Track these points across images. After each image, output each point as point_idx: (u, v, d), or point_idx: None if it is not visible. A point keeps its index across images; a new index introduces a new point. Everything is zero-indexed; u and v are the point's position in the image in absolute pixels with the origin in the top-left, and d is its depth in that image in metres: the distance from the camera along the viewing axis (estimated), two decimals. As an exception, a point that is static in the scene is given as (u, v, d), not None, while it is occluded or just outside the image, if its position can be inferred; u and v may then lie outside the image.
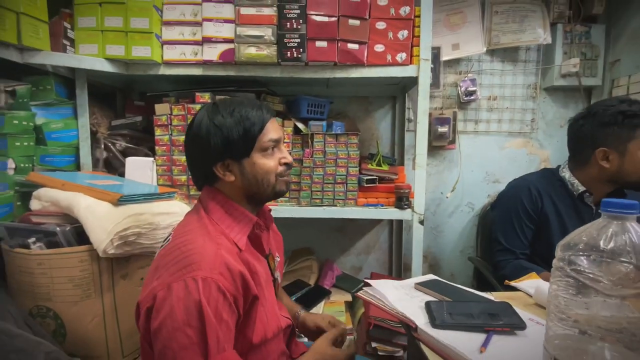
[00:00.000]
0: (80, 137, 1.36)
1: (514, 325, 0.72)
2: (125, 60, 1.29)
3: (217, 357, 0.62)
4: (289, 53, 1.26)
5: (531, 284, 0.99)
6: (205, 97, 1.38)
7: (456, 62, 1.72)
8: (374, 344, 1.35)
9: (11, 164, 1.09)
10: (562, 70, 1.68)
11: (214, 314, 0.62)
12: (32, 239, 0.96)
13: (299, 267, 1.72)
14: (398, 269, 1.82)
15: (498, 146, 1.79)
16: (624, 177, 1.17)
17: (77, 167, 1.37)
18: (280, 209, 1.36)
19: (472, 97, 1.72)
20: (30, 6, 1.07)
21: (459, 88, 1.72)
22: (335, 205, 1.43)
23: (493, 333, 0.70)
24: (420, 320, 0.73)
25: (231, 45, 1.28)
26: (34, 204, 1.06)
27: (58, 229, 0.95)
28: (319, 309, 1.45)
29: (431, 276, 1.00)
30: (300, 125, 1.45)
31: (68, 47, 1.23)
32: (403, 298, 0.84)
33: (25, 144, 1.14)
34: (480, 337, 0.69)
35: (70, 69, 1.30)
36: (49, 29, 1.16)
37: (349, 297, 1.55)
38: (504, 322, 0.73)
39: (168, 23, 1.30)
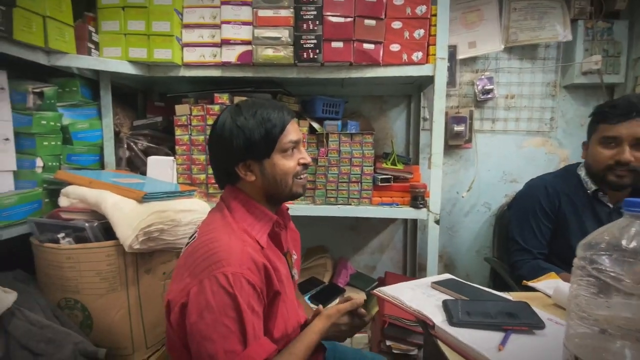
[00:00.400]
0: (105, 137, 1.41)
1: (533, 324, 0.72)
2: (147, 62, 1.33)
3: (254, 343, 0.65)
4: (305, 54, 1.28)
5: (550, 284, 0.98)
6: (223, 98, 1.41)
7: (473, 60, 1.71)
8: (388, 342, 1.36)
9: (39, 162, 1.14)
10: (583, 67, 1.64)
11: (247, 305, 0.65)
12: (62, 234, 1.00)
13: (313, 265, 1.73)
14: (412, 269, 1.82)
15: (516, 145, 1.77)
16: (588, 168, 1.26)
17: (102, 166, 1.42)
18: (295, 207, 1.38)
19: (489, 96, 1.70)
20: (55, 10, 1.11)
21: (475, 86, 1.71)
22: (350, 204, 1.44)
23: (511, 332, 0.70)
24: (438, 318, 0.73)
25: (249, 47, 1.31)
26: (63, 201, 1.11)
27: (87, 224, 0.99)
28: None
29: (448, 275, 1.00)
30: (316, 125, 1.46)
31: (93, 50, 1.28)
32: (420, 297, 0.84)
33: (53, 143, 1.19)
34: (498, 335, 0.69)
35: (94, 71, 1.35)
36: (75, 32, 1.21)
37: (363, 296, 1.56)
38: (523, 321, 0.72)
39: (188, 26, 1.34)
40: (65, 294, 1.01)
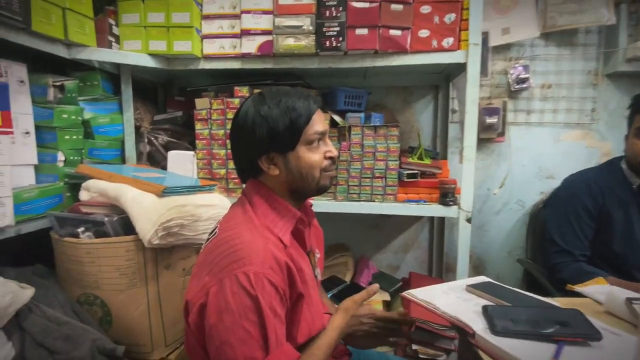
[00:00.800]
0: (125, 132, 1.40)
1: (589, 335, 0.64)
2: (167, 55, 1.31)
3: (277, 351, 0.61)
4: (327, 42, 1.22)
5: (600, 289, 0.89)
6: (243, 91, 1.37)
7: (506, 47, 1.60)
8: (414, 347, 1.29)
9: (61, 156, 1.14)
10: (627, 54, 1.51)
11: (269, 308, 0.61)
12: (81, 229, 0.99)
13: (334, 263, 1.68)
14: (439, 269, 1.73)
15: (553, 138, 1.65)
16: (628, 161, 1.21)
17: (123, 160, 1.41)
18: (315, 204, 1.32)
19: (524, 85, 1.58)
20: (75, 2, 1.10)
21: (509, 76, 1.60)
22: (374, 201, 1.37)
23: (564, 343, 0.62)
24: (478, 325, 0.66)
25: (269, 37, 1.26)
26: (83, 195, 1.10)
27: (106, 219, 0.98)
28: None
29: (483, 278, 0.92)
30: (337, 118, 1.41)
31: (113, 43, 1.27)
32: (455, 301, 0.77)
33: (74, 137, 1.19)
34: (548, 347, 0.62)
35: (115, 64, 1.34)
36: (95, 25, 1.20)
37: (386, 296, 1.49)
38: (576, 331, 0.64)
39: (208, 17, 1.31)
40: (84, 290, 0.99)
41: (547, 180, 1.65)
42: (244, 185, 0.80)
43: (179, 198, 1.06)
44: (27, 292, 0.84)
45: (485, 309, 0.70)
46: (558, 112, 1.63)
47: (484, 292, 0.80)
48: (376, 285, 0.84)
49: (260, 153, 0.72)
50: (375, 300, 1.45)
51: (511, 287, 0.86)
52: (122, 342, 0.96)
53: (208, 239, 0.73)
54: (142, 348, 1.02)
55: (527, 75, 1.58)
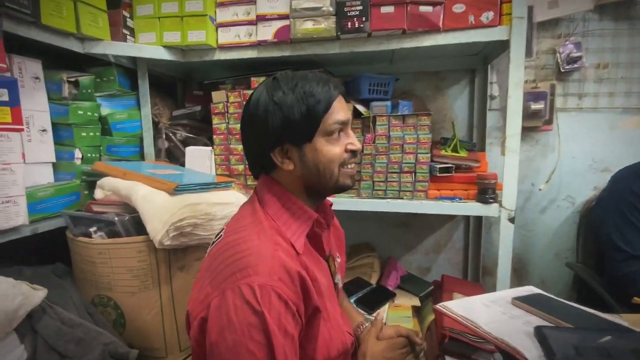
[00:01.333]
0: (143, 128, 1.37)
1: (679, 371, 0.50)
2: (181, 47, 1.26)
3: None
4: (349, 23, 1.11)
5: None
6: (260, 82, 1.30)
7: (554, 23, 1.40)
8: (448, 359, 1.17)
9: (78, 153, 1.12)
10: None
11: (277, 327, 0.53)
12: (94, 228, 0.96)
13: (358, 264, 1.58)
14: (475, 273, 1.58)
15: (609, 126, 1.44)
16: None
17: (142, 157, 1.38)
18: (337, 201, 1.23)
19: (575, 66, 1.39)
20: (87, -6, 1.07)
21: (558, 55, 1.40)
22: (402, 198, 1.25)
23: (647, 382, 0.49)
24: (532, 352, 0.55)
25: (286, 22, 1.18)
26: (97, 193, 1.07)
27: (116, 218, 0.94)
28: (383, 312, 1.30)
29: (531, 288, 0.79)
30: (361, 108, 1.30)
31: (128, 37, 1.23)
32: (499, 318, 0.65)
33: (91, 134, 1.17)
34: (624, 383, 0.49)
35: (131, 59, 1.31)
36: (109, 19, 1.17)
37: (416, 301, 1.37)
38: (661, 365, 0.51)
39: (222, 4, 1.25)
40: (98, 291, 0.97)
41: (602, 173, 1.45)
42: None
43: (193, 196, 1.00)
44: (38, 294, 0.81)
45: (539, 330, 0.58)
46: (615, 96, 1.42)
47: (535, 307, 0.68)
48: (381, 318, 0.76)
49: (273, 145, 0.64)
50: (405, 306, 1.34)
51: (567, 302, 0.73)
52: (136, 345, 0.93)
53: (213, 242, 0.66)
54: (156, 352, 0.98)
55: (579, 54, 1.38)
